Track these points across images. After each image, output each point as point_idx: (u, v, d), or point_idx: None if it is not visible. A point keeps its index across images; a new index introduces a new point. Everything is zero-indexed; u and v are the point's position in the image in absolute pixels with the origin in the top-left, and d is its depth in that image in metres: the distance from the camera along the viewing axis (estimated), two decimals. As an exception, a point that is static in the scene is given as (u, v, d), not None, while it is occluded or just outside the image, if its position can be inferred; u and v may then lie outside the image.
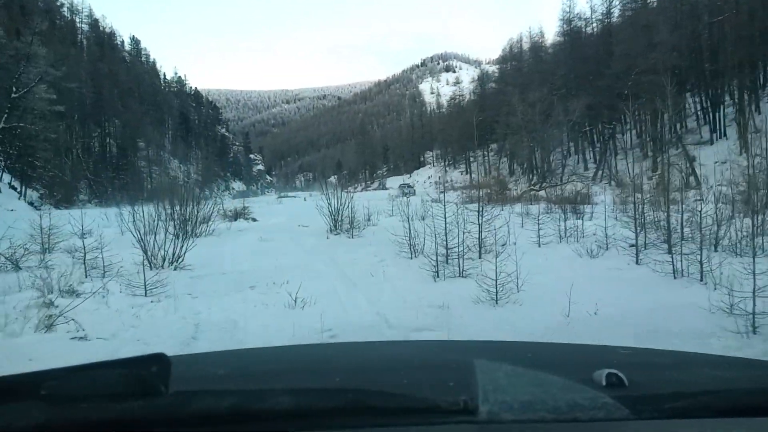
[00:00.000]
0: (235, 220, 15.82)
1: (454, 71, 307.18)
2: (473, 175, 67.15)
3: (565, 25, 47.85)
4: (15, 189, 30.45)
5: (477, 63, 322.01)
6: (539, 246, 9.61)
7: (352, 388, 0.96)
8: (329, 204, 12.24)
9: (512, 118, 43.26)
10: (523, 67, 53.18)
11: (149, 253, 8.13)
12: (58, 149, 41.68)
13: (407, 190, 49.98)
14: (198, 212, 12.19)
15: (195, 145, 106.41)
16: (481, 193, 23.04)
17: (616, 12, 44.48)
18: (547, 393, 0.88)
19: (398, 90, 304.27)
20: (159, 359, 0.83)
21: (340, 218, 11.92)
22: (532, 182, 32.22)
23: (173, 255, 8.39)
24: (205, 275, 7.71)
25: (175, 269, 8.14)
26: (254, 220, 16.33)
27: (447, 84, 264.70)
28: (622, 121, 42.11)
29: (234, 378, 1.17)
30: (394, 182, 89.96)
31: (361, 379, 1.16)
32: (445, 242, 7.96)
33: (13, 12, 45.67)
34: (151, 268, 7.66)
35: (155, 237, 8.56)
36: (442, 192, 51.23)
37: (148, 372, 0.81)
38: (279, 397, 0.85)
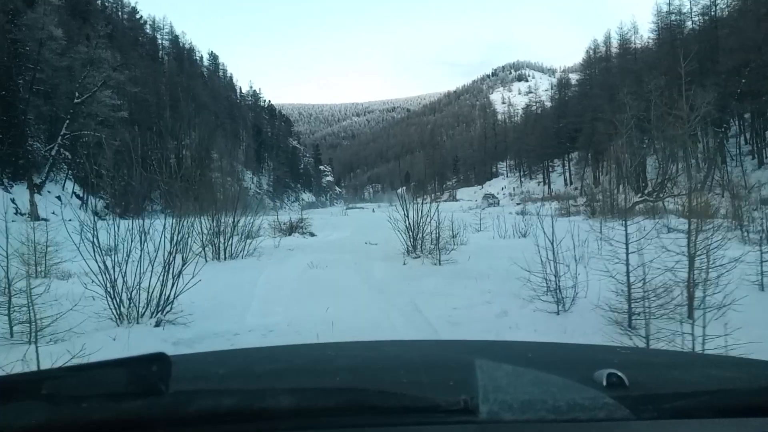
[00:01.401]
0: (289, 234, 13.39)
1: (527, 80, 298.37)
2: (552, 186, 62.86)
3: (660, 21, 43.13)
4: (80, 198, 29.91)
5: (551, 71, 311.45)
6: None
7: (352, 387, 0.98)
8: (406, 216, 9.27)
9: (608, 118, 38.56)
10: (612, 68, 48.56)
11: (120, 296, 5.09)
12: (128, 158, 42.08)
13: (492, 201, 50.56)
14: (235, 225, 9.80)
15: (267, 156, 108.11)
16: (583, 202, 20.02)
17: (721, 3, 39.38)
18: (547, 393, 0.88)
19: (468, 101, 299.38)
20: (159, 359, 0.82)
21: (420, 235, 9.05)
22: (644, 191, 27.79)
23: (161, 298, 5.27)
24: (202, 337, 4.64)
25: (157, 324, 5.06)
26: (312, 235, 13.85)
27: (519, 93, 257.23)
28: (734, 123, 36.79)
29: (234, 377, 1.15)
30: (464, 194, 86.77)
31: (361, 378, 1.15)
32: (626, 289, 4.31)
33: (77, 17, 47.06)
34: (119, 323, 4.99)
35: (145, 266, 5.30)
36: (519, 203, 47.23)
37: (148, 371, 0.81)
38: (279, 397, 0.86)
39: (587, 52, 59.92)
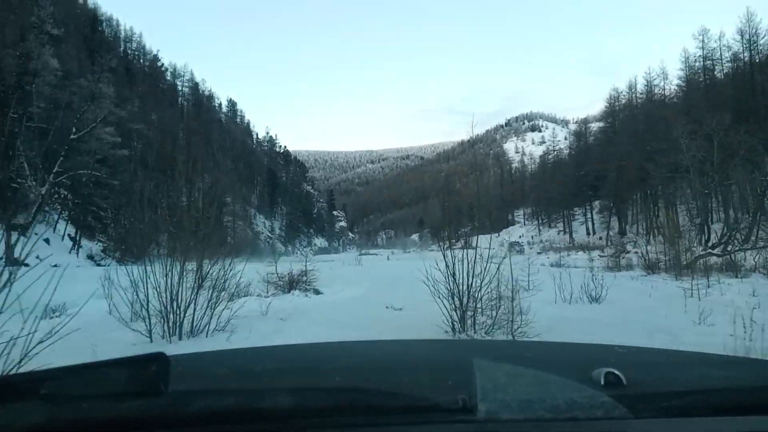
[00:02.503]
0: (288, 291, 10.56)
1: (540, 130, 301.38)
2: (574, 235, 60.60)
3: (687, 68, 41.90)
4: (73, 240, 28.00)
5: (563, 122, 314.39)
6: None
7: (351, 387, 0.97)
8: (451, 275, 6.25)
9: (636, 165, 36.40)
10: (638, 114, 47.15)
11: None
12: (133, 199, 40.65)
13: (518, 248, 50.82)
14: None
15: (281, 201, 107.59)
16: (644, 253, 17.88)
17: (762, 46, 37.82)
18: (545, 392, 0.88)
19: (482, 149, 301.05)
20: (158, 359, 0.82)
21: (474, 304, 5.97)
22: (709, 243, 24.94)
23: None
24: None
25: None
26: (317, 292, 10.86)
27: (533, 143, 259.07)
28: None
29: (233, 377, 1.16)
30: (481, 241, 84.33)
31: (361, 378, 1.15)
32: None
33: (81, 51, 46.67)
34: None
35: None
36: (540, 252, 44.55)
37: (147, 371, 0.81)
38: (278, 397, 0.86)
39: (609, 99, 58.97)
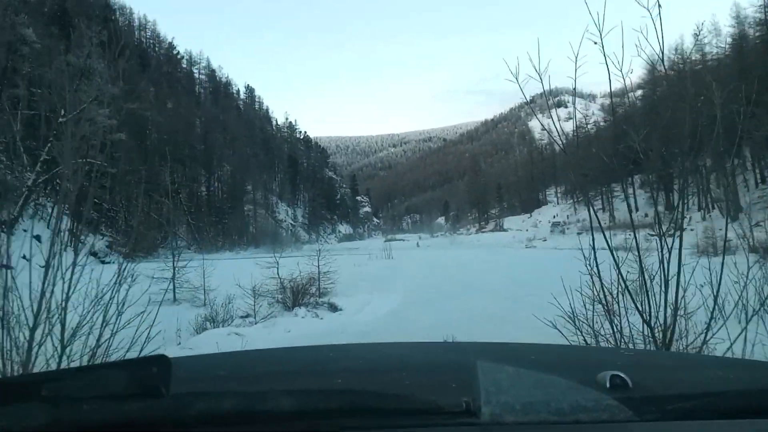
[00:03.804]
0: (291, 308, 7.34)
1: (566, 106, 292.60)
2: (615, 213, 56.60)
3: (739, 23, 37.14)
4: (73, 235, 25.36)
5: (591, 96, 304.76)
6: None
7: (353, 389, 0.97)
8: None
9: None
10: (688, 77, 42.66)
11: None
12: (143, 188, 38.20)
13: (560, 228, 50.32)
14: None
15: (303, 188, 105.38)
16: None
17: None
18: (549, 394, 0.88)
19: (506, 128, 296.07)
20: (160, 361, 0.82)
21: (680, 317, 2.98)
22: None
23: None
24: None
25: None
26: (333, 308, 7.70)
27: (559, 119, 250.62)
28: None
29: (235, 379, 1.16)
30: (511, 223, 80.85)
31: (363, 380, 1.15)
32: None
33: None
34: None
35: None
36: (580, 233, 40.79)
37: (148, 373, 0.81)
38: (280, 399, 0.86)
39: (649, 65, 54.02)
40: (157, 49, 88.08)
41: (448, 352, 1.62)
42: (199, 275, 8.96)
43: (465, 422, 0.80)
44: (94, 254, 24.88)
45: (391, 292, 9.20)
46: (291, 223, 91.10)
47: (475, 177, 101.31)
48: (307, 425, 0.83)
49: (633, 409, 0.83)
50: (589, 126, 77.76)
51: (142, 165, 47.61)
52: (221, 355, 1.92)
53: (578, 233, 51.36)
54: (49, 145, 22.26)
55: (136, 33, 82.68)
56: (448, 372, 1.18)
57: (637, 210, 55.03)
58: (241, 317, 6.22)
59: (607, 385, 0.91)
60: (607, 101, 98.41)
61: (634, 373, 0.95)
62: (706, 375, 1.20)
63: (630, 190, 57.39)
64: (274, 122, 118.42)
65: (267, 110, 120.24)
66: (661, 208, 39.03)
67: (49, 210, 25.37)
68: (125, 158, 39.49)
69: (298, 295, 7.72)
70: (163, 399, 0.78)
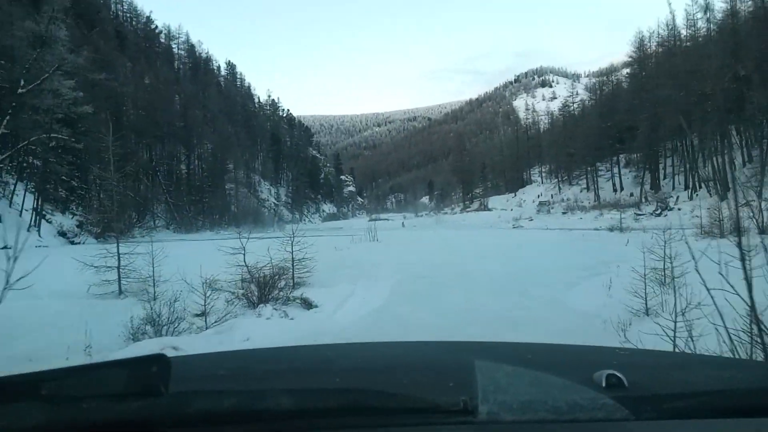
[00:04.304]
0: (256, 306, 5.97)
1: (551, 86, 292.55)
2: (599, 192, 56.43)
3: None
4: (40, 215, 23.51)
5: (575, 76, 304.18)
6: None
7: (351, 388, 0.97)
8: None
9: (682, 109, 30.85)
10: (678, 53, 41.66)
11: None
12: (104, 165, 36.27)
13: (547, 208, 48.43)
14: None
15: (286, 167, 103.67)
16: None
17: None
18: (546, 393, 0.88)
19: (491, 108, 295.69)
20: (159, 359, 0.83)
21: None
22: None
23: None
24: None
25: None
26: (307, 305, 6.39)
27: (543, 99, 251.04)
28: None
29: (234, 378, 1.15)
30: (496, 202, 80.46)
31: (361, 379, 1.14)
32: None
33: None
34: None
35: None
36: (565, 212, 40.22)
37: (148, 372, 0.81)
38: (279, 398, 0.86)
39: (637, 42, 53.09)
40: (134, 23, 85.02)
41: (445, 351, 1.59)
42: (163, 260, 7.66)
43: (462, 421, 0.81)
44: (62, 234, 23.64)
45: (376, 281, 7.92)
46: (274, 203, 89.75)
47: (459, 156, 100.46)
48: (306, 424, 0.83)
49: (629, 408, 0.83)
50: (575, 105, 76.93)
51: (117, 141, 45.99)
52: (220, 354, 1.92)
53: (563, 212, 51.22)
54: (7, 118, 20.76)
55: (113, 6, 79.68)
56: (446, 371, 1.17)
57: (622, 189, 54.90)
58: (197, 315, 5.16)
59: (604, 384, 0.91)
60: (593, 80, 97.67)
61: (630, 373, 0.95)
62: (703, 374, 1.19)
63: (615, 170, 57.08)
64: (256, 100, 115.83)
65: (249, 87, 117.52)
66: (646, 188, 38.22)
67: (12, 188, 23.74)
68: (98, 134, 37.86)
69: (264, 289, 6.28)
70: (162, 398, 0.78)
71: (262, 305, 5.82)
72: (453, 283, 6.40)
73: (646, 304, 4.76)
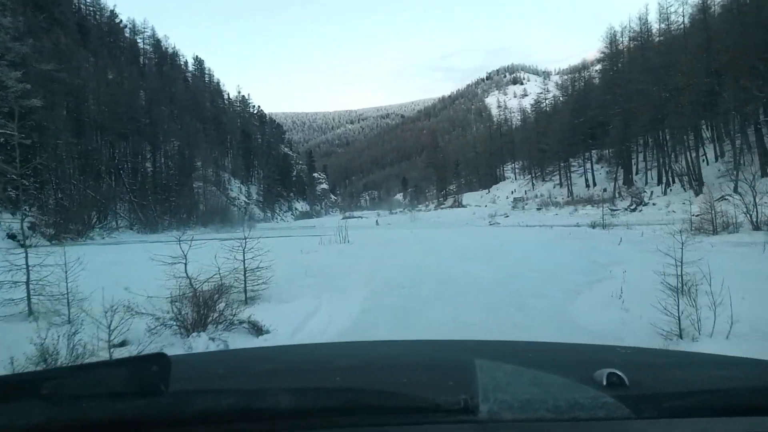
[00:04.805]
0: (189, 333, 4.47)
1: (522, 83, 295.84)
2: (573, 188, 56.46)
3: None
4: None
5: (546, 74, 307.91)
6: None
7: (352, 387, 0.97)
8: None
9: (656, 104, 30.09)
10: (655, 47, 41.46)
11: None
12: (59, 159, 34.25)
13: (522, 204, 48.10)
14: None
15: (257, 164, 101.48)
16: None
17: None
18: (547, 392, 0.88)
19: (463, 105, 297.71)
20: (159, 359, 0.83)
21: None
22: None
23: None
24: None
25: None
26: (257, 331, 4.88)
27: (515, 96, 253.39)
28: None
29: (234, 377, 1.16)
30: (470, 198, 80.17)
31: (361, 378, 1.15)
32: None
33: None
34: None
35: None
36: (540, 208, 39.78)
37: (148, 371, 0.81)
38: (278, 397, 0.86)
39: (609, 38, 53.10)
40: (98, 17, 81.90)
41: (446, 350, 1.57)
42: (95, 272, 6.25)
43: (463, 420, 0.81)
44: (12, 237, 21.87)
45: (345, 294, 6.70)
46: (245, 201, 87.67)
47: (433, 153, 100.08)
48: (306, 423, 0.83)
49: (630, 406, 0.83)
50: (547, 101, 77.14)
51: (77, 138, 43.73)
52: (220, 353, 2.01)
53: (538, 208, 51.01)
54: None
55: (75, 1, 76.58)
56: (447, 370, 1.16)
57: (595, 185, 55.02)
58: (117, 346, 3.85)
59: (604, 383, 0.91)
60: (563, 77, 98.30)
61: (630, 371, 0.95)
62: (703, 373, 1.19)
63: (588, 165, 57.18)
64: (225, 96, 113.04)
65: (218, 83, 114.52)
66: (619, 183, 37.83)
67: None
68: (56, 130, 35.71)
69: (201, 311, 4.80)
70: (162, 397, 0.78)
71: (196, 333, 4.49)
72: (435, 294, 5.45)
73: (679, 324, 3.90)
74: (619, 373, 0.93)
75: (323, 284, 6.96)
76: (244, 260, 5.97)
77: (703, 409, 0.88)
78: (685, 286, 4.55)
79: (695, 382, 1.08)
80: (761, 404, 0.89)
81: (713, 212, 11.52)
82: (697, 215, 12.66)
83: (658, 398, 0.89)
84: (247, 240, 6.18)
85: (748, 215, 12.06)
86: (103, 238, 33.02)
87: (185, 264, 5.67)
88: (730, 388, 1.00)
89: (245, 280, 5.86)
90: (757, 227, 11.91)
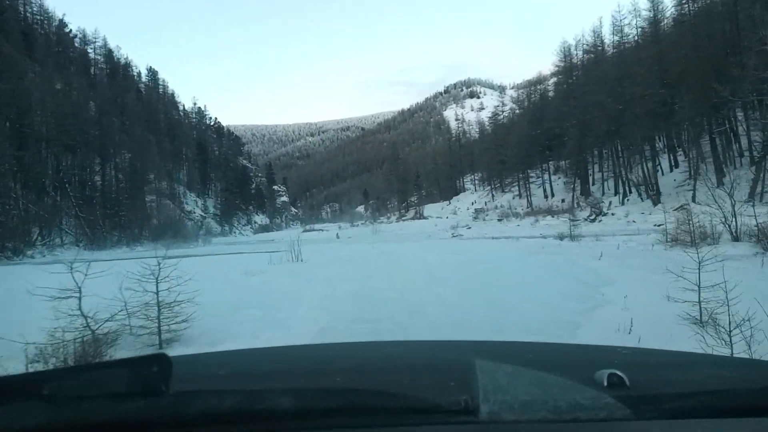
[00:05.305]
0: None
1: (478, 97, 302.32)
2: (532, 199, 56.96)
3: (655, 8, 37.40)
4: None
5: (501, 88, 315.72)
6: None
7: (352, 388, 0.97)
8: None
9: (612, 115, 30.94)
10: (610, 59, 42.33)
11: None
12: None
13: (483, 214, 49.47)
14: None
15: (214, 177, 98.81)
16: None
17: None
18: (547, 393, 0.88)
19: (422, 118, 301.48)
20: (160, 359, 0.83)
21: None
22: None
23: None
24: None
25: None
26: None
27: (472, 110, 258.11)
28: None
29: (235, 378, 1.16)
30: (431, 210, 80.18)
31: (362, 379, 1.14)
32: None
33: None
34: None
35: None
36: (501, 219, 39.73)
37: (149, 372, 0.81)
38: (279, 397, 0.86)
39: (562, 51, 54.18)
40: (45, 26, 78.43)
41: (446, 350, 1.58)
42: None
43: (463, 421, 0.81)
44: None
45: (291, 330, 5.53)
46: (201, 215, 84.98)
47: (394, 165, 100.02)
48: (307, 424, 0.83)
49: (630, 407, 0.83)
50: (504, 114, 78.24)
51: (18, 150, 41.17)
52: (221, 353, 1.88)
53: (499, 219, 51.12)
54: None
55: (21, 8, 73.12)
56: (447, 370, 1.17)
57: (553, 196, 55.69)
58: None
59: (605, 384, 0.92)
60: (518, 91, 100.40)
61: (631, 372, 0.95)
62: (704, 373, 1.19)
63: (546, 176, 57.91)
64: (181, 108, 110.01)
65: (173, 95, 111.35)
66: (577, 193, 38.16)
67: None
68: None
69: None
70: (163, 397, 0.78)
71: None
72: (403, 331, 4.52)
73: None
74: (620, 374, 0.92)
75: (264, 318, 5.67)
76: (158, 292, 4.77)
77: (704, 410, 0.87)
78: (705, 316, 3.86)
79: (696, 383, 1.06)
80: (763, 405, 0.88)
81: (691, 223, 11.02)
82: (674, 225, 12.20)
83: (659, 399, 0.88)
84: (160, 264, 4.85)
85: (727, 226, 11.70)
86: (44, 256, 30.85)
87: (80, 298, 4.48)
88: (732, 389, 0.98)
89: (159, 318, 4.66)
90: (736, 238, 11.54)
